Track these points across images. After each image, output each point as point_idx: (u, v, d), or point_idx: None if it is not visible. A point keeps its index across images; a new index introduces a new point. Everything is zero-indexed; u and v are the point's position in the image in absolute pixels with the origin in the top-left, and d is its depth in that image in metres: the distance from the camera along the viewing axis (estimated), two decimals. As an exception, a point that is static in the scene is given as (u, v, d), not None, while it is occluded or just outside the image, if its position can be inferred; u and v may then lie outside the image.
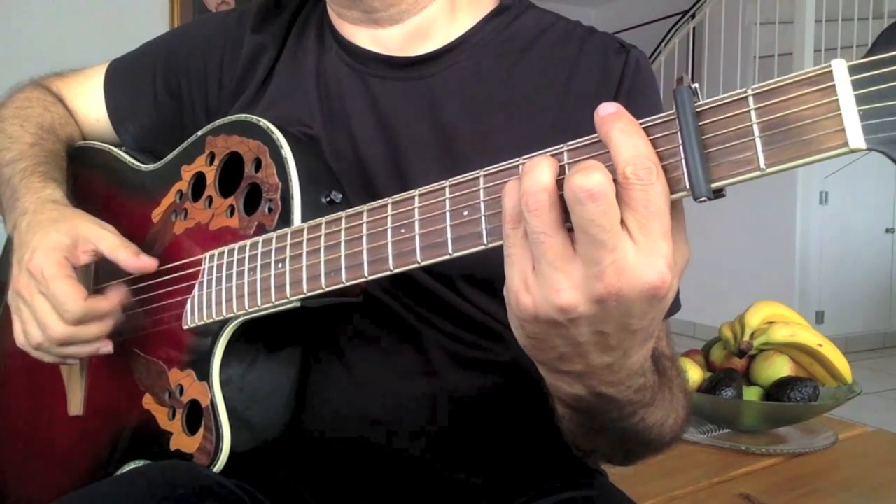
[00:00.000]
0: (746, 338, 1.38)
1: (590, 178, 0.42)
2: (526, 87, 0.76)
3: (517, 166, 0.49)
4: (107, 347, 0.75)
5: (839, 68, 0.39)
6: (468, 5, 0.80)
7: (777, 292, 4.04)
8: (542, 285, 0.45)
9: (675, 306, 0.73)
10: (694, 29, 5.74)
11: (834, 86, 0.39)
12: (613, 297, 0.44)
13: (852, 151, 0.38)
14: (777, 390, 1.30)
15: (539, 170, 0.45)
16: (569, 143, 0.47)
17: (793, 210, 4.62)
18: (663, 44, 5.82)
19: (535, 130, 0.74)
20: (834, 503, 1.10)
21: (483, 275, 0.71)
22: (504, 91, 0.76)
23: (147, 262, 0.74)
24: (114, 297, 0.74)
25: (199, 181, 0.76)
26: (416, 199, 0.54)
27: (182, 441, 0.70)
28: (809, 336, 1.38)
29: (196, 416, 0.69)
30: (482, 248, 0.50)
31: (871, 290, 4.81)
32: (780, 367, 1.36)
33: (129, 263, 0.73)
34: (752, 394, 1.34)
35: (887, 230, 4.86)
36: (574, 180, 0.43)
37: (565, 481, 0.78)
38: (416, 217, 0.53)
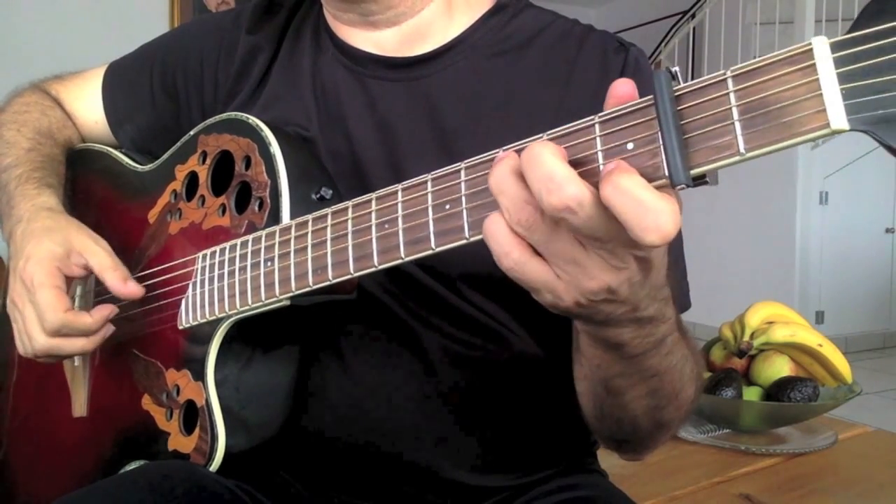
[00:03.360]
0: (746, 338, 1.38)
1: (563, 194, 0.42)
2: (524, 85, 0.76)
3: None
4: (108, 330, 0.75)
5: (820, 46, 0.37)
6: (465, 5, 0.79)
7: (777, 292, 4.04)
8: (571, 281, 0.46)
9: (686, 303, 0.74)
10: (694, 29, 5.74)
11: (814, 64, 0.37)
12: (636, 266, 0.46)
13: (835, 133, 0.37)
14: (777, 390, 1.30)
15: (513, 188, 0.44)
16: (548, 132, 0.46)
17: (793, 210, 4.61)
18: (663, 44, 5.82)
19: (533, 129, 0.73)
20: (834, 503, 1.10)
21: (483, 274, 0.70)
22: (502, 90, 0.76)
23: (134, 290, 0.73)
24: (98, 315, 0.73)
25: (192, 180, 0.76)
26: (400, 193, 0.53)
27: (179, 441, 0.70)
28: (809, 336, 1.38)
29: (192, 416, 0.69)
30: (465, 241, 0.49)
31: (871, 290, 4.81)
32: (780, 367, 1.36)
33: (115, 288, 0.73)
34: (752, 394, 1.34)
35: (887, 230, 4.86)
36: (550, 201, 0.42)
37: (565, 480, 0.77)
38: (400, 212, 0.53)
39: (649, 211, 0.40)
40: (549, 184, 0.42)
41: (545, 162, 0.42)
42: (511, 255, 0.46)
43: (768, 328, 1.39)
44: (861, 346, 4.58)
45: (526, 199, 0.44)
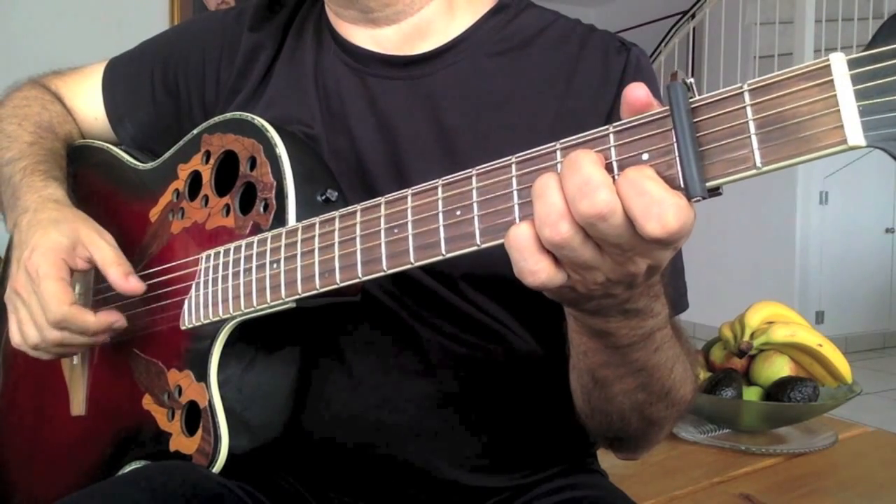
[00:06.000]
0: (746, 338, 1.38)
1: (595, 199, 0.43)
2: (526, 85, 0.75)
3: (510, 164, 0.49)
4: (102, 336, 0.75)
5: (838, 62, 0.37)
6: (467, 4, 0.79)
7: (777, 292, 4.04)
8: (581, 277, 0.48)
9: (683, 304, 0.75)
10: (694, 29, 5.73)
11: (832, 81, 0.37)
12: (644, 271, 0.48)
13: (851, 149, 0.37)
14: (777, 390, 1.30)
15: (552, 201, 0.45)
16: (562, 140, 0.47)
17: (793, 210, 4.61)
18: (663, 44, 5.82)
19: (535, 129, 0.73)
20: (834, 503, 1.10)
21: (485, 275, 0.70)
22: (504, 89, 0.75)
23: (135, 286, 0.73)
24: (103, 319, 0.73)
25: (195, 180, 0.75)
26: (409, 198, 0.53)
27: (181, 442, 0.69)
28: (809, 336, 1.38)
29: (195, 417, 0.69)
30: (475, 248, 0.50)
31: (871, 290, 4.81)
32: (780, 367, 1.36)
33: (117, 283, 0.73)
34: (752, 394, 1.34)
35: (887, 230, 4.86)
36: (581, 208, 0.43)
37: (565, 480, 0.77)
38: (410, 217, 0.53)
39: (654, 202, 0.42)
40: (585, 187, 0.43)
41: (583, 167, 0.44)
42: (539, 274, 0.47)
43: (768, 328, 1.38)
44: (861, 346, 4.58)
45: (562, 210, 0.45)
